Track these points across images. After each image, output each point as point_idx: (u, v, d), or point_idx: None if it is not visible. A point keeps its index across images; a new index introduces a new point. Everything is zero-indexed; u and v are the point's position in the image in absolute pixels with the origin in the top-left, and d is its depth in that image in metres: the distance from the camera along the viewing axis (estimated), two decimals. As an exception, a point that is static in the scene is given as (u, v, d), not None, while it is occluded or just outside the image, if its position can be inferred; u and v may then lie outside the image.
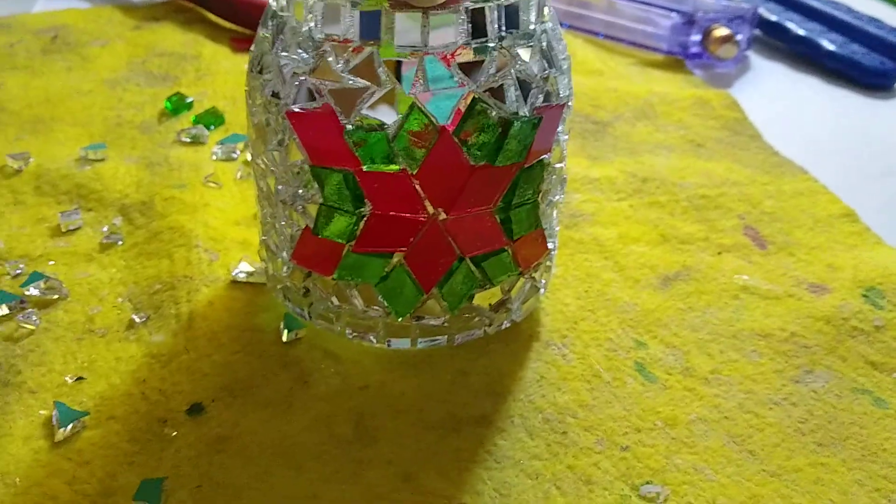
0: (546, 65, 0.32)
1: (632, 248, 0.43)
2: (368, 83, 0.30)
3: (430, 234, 0.32)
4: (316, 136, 0.31)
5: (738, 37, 0.62)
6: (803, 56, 0.64)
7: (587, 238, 0.43)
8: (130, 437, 0.32)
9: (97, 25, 0.64)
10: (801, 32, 0.64)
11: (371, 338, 0.35)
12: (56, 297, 0.38)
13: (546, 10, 0.33)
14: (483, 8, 0.30)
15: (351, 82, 0.30)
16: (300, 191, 0.33)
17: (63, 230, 0.42)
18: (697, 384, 0.35)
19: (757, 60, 0.65)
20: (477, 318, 0.35)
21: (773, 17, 0.66)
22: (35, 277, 0.38)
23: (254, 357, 0.35)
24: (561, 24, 0.67)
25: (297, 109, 0.31)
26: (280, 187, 0.33)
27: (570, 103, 0.34)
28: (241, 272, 0.39)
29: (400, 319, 0.34)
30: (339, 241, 0.33)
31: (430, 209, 0.32)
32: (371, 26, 0.30)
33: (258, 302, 0.38)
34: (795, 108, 0.58)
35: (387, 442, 0.32)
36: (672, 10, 0.63)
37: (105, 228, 0.42)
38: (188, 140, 0.50)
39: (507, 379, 0.35)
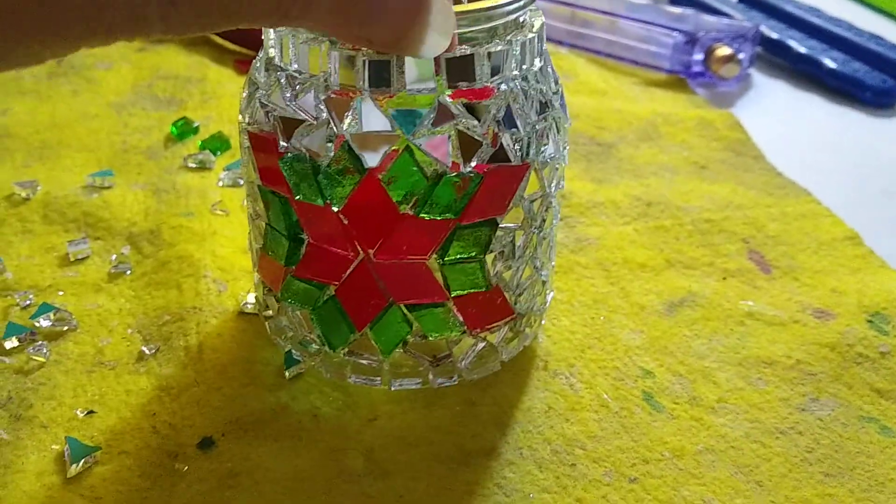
0: (513, 121, 0.31)
1: (637, 273, 0.43)
2: (307, 116, 0.31)
3: (359, 272, 0.32)
4: (263, 157, 0.32)
5: (741, 55, 0.62)
6: (805, 74, 0.64)
7: (592, 263, 0.43)
8: (142, 472, 0.32)
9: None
10: (803, 50, 0.64)
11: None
12: (66, 328, 0.38)
13: (535, 60, 0.32)
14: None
15: (294, 112, 0.31)
16: (258, 208, 0.34)
17: (71, 259, 0.42)
18: (704, 413, 0.35)
19: (759, 79, 0.65)
20: (420, 368, 0.35)
21: (775, 36, 0.66)
22: (45, 309, 0.39)
23: (263, 390, 0.36)
24: (562, 44, 0.68)
25: (252, 129, 0.33)
26: (245, 202, 0.36)
27: (534, 167, 0.33)
28: (248, 304, 0.39)
29: (334, 352, 0.34)
30: (280, 262, 0.33)
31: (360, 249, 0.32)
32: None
33: (267, 334, 0.38)
34: (798, 127, 0.59)
35: (398, 475, 0.32)
36: (674, 29, 0.63)
37: (113, 257, 0.42)
38: (195, 166, 0.50)
39: (515, 410, 0.35)
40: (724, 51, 0.61)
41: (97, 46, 0.24)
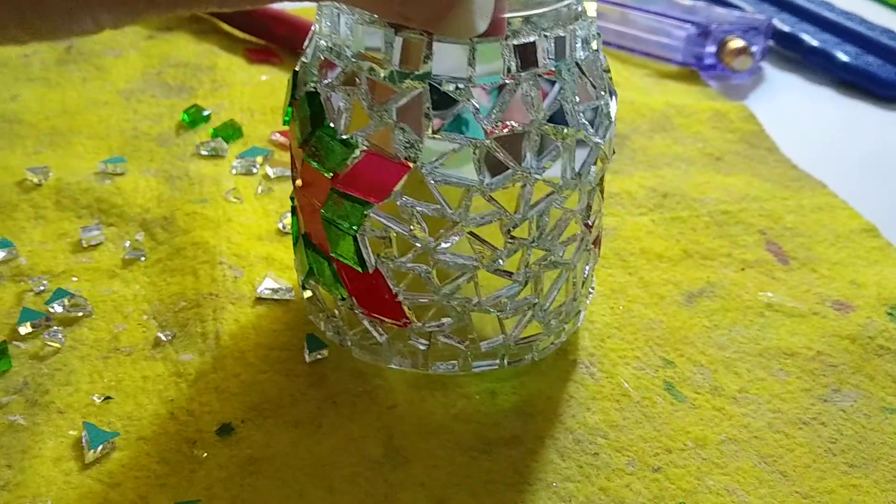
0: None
1: (655, 263, 0.43)
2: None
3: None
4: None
5: (753, 48, 0.62)
6: (818, 67, 0.64)
7: (610, 253, 0.43)
8: (161, 459, 0.32)
9: (110, 35, 0.64)
10: (816, 44, 0.64)
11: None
12: (81, 314, 0.38)
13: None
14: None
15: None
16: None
17: (85, 245, 0.42)
18: (726, 403, 0.35)
19: (771, 72, 0.65)
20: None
21: (787, 29, 0.66)
22: (59, 294, 0.38)
23: (281, 376, 0.35)
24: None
25: None
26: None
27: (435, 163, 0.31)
28: (266, 289, 0.39)
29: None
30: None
31: None
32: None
33: (284, 319, 0.38)
34: (811, 120, 0.58)
35: (418, 463, 0.32)
36: (686, 21, 0.63)
37: (127, 244, 0.42)
38: (207, 153, 0.49)
39: (536, 398, 0.35)
40: (736, 43, 0.61)
41: (159, 15, 0.24)
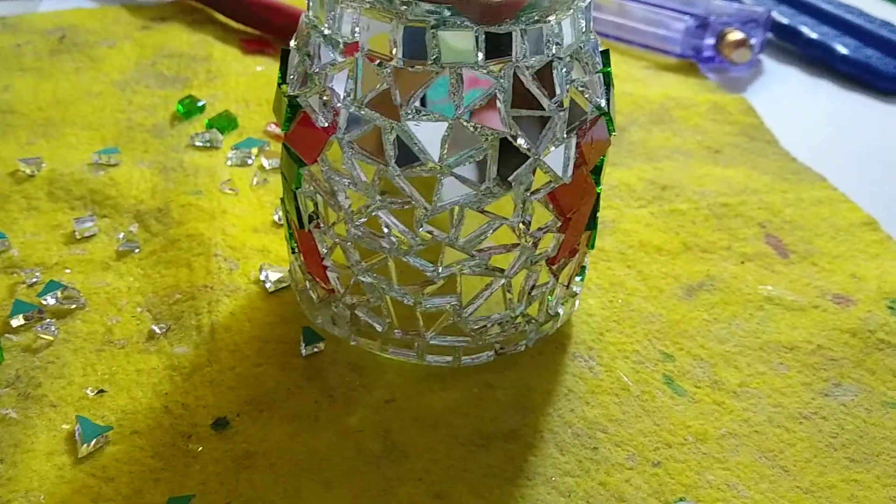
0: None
1: (654, 256, 0.42)
2: None
3: None
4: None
5: (752, 41, 0.61)
6: (817, 60, 0.64)
7: (608, 246, 0.43)
8: (155, 453, 0.31)
9: (104, 25, 0.63)
10: (815, 36, 0.64)
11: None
12: (74, 306, 0.38)
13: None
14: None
15: None
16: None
17: (78, 237, 0.42)
18: (726, 398, 0.35)
19: (770, 64, 0.64)
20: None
21: (786, 21, 0.66)
22: (52, 287, 0.38)
23: (277, 369, 0.35)
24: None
25: None
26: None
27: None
28: (269, 282, 0.38)
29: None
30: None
31: None
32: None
33: (280, 312, 0.37)
34: (810, 113, 0.58)
35: (416, 457, 0.32)
36: (685, 13, 0.62)
37: (121, 235, 0.42)
38: (202, 144, 0.49)
39: (535, 392, 0.35)
40: (735, 35, 0.61)
41: None
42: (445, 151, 0.30)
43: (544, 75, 0.30)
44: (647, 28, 0.64)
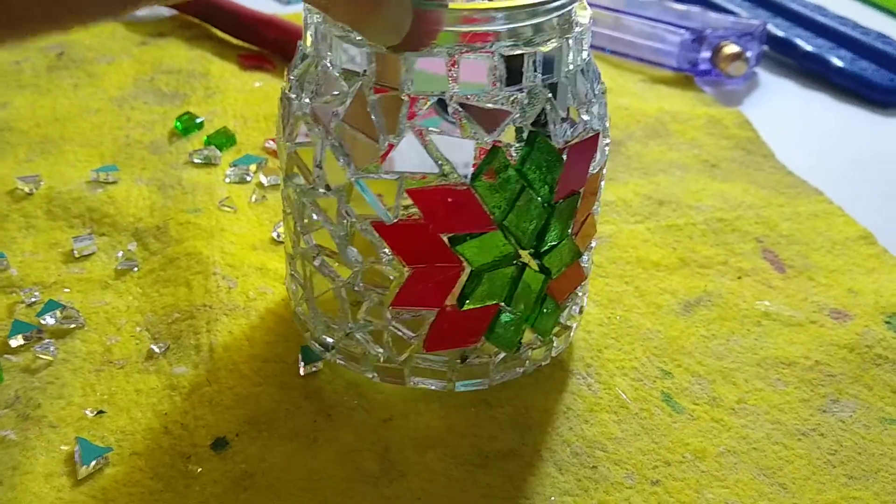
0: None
1: (651, 272, 0.42)
2: None
3: None
4: None
5: (748, 54, 0.62)
6: (812, 73, 0.64)
7: (606, 261, 0.43)
8: (154, 474, 0.31)
9: (102, 41, 0.63)
10: (810, 49, 0.64)
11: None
12: (73, 326, 0.38)
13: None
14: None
15: None
16: None
17: (77, 256, 0.42)
18: (724, 414, 0.35)
19: (766, 77, 0.64)
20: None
21: (781, 34, 0.66)
22: (51, 306, 0.38)
23: (276, 389, 0.35)
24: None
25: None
26: None
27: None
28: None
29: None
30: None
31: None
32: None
33: (278, 331, 0.37)
34: (806, 126, 0.58)
35: (414, 477, 0.32)
36: (681, 26, 0.63)
37: (120, 254, 0.42)
38: (200, 161, 0.49)
39: (533, 411, 0.35)
40: (731, 49, 0.61)
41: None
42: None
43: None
44: (643, 41, 0.64)
